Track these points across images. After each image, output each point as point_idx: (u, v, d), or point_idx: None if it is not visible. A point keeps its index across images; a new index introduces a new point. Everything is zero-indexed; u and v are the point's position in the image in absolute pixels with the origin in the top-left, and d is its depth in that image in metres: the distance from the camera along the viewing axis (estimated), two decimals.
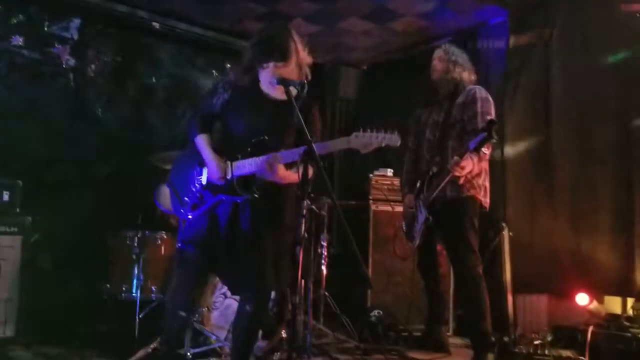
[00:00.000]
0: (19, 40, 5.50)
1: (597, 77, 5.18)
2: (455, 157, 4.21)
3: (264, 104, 3.53)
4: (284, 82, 3.43)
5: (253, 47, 3.50)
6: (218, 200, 3.45)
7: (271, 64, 3.43)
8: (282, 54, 3.42)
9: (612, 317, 4.73)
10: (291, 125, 3.47)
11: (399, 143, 3.21)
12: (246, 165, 3.41)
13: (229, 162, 3.43)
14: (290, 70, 3.45)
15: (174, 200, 3.60)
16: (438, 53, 4.80)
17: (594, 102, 5.19)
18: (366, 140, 3.21)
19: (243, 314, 3.56)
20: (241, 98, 3.54)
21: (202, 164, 3.53)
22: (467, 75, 4.70)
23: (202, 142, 3.52)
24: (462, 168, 4.19)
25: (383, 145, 3.21)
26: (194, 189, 3.52)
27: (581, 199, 5.21)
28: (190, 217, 3.50)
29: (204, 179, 3.52)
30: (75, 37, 5.85)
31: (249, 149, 3.40)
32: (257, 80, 3.55)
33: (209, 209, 3.46)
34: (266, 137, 3.42)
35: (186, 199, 3.53)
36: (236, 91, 3.55)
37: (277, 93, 3.52)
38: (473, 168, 4.32)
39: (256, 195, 3.38)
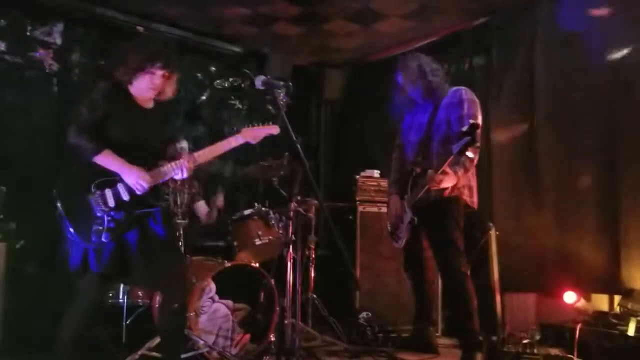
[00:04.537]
0: (1, 45, 5.45)
1: (581, 75, 5.21)
2: (430, 171, 4.24)
3: (138, 114, 3.65)
4: (269, 84, 3.48)
5: (142, 50, 3.62)
6: (135, 216, 3.49)
7: (159, 72, 3.59)
8: (172, 65, 3.64)
9: (600, 315, 4.75)
10: (164, 132, 3.85)
11: (278, 131, 3.85)
12: (166, 172, 3.59)
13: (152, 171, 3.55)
14: (171, 83, 3.68)
15: (79, 231, 3.39)
16: (408, 67, 4.74)
17: (578, 101, 5.22)
18: (254, 132, 3.75)
19: (171, 312, 3.65)
20: (117, 109, 3.54)
21: (99, 185, 3.43)
22: (442, 78, 4.70)
23: (111, 156, 3.44)
24: (439, 182, 4.21)
25: (267, 134, 3.80)
26: (100, 214, 3.39)
27: (567, 197, 5.24)
28: (104, 241, 3.38)
29: (110, 200, 3.43)
30: (58, 41, 5.80)
31: (148, 158, 3.56)
32: (127, 89, 3.64)
33: (122, 229, 3.44)
34: (158, 145, 3.72)
35: (97, 227, 3.37)
36: (112, 101, 3.53)
37: (146, 101, 3.70)
38: (458, 182, 4.34)
39: (168, 201, 3.53)
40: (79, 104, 3.48)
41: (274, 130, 3.88)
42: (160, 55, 3.61)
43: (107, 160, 3.43)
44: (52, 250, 5.26)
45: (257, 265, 4.81)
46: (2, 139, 5.30)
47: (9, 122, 5.40)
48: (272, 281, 4.74)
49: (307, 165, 3.41)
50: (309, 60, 7.54)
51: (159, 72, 3.61)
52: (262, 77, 3.58)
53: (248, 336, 4.66)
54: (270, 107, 5.42)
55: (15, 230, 4.74)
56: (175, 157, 3.81)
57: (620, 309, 4.69)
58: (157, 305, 4.48)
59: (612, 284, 4.89)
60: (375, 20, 6.21)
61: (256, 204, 5.13)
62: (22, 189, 5.13)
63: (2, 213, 4.75)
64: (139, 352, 4.16)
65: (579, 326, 4.48)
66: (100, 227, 3.37)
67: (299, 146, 3.49)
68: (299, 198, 4.76)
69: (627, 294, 4.72)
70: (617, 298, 4.88)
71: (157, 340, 4.24)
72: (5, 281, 4.56)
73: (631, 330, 4.29)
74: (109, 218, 3.39)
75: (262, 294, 4.75)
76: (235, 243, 4.99)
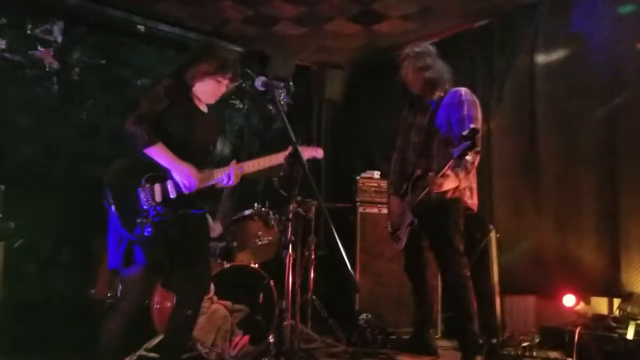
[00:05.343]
0: (1, 43, 5.44)
1: (581, 77, 5.20)
2: (431, 174, 4.23)
3: (197, 115, 3.68)
4: (269, 84, 3.49)
5: (217, 59, 3.65)
6: (179, 214, 3.48)
7: (226, 81, 3.68)
8: (236, 77, 3.75)
9: (599, 318, 4.74)
10: (217, 138, 3.86)
11: (322, 155, 3.99)
12: (214, 176, 3.61)
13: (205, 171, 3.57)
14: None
15: (123, 221, 3.39)
16: (411, 59, 4.70)
17: (578, 102, 5.21)
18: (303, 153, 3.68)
19: (182, 318, 3.63)
20: (178, 106, 3.55)
21: (150, 179, 3.44)
22: (445, 76, 4.67)
23: (163, 150, 3.43)
24: (440, 185, 4.20)
25: (311, 156, 3.87)
26: (146, 207, 3.40)
27: (567, 200, 5.22)
28: (146, 235, 3.38)
29: (157, 195, 3.43)
30: (59, 40, 5.79)
31: (199, 159, 3.57)
32: (190, 90, 3.67)
33: (166, 224, 3.44)
34: (210, 148, 3.76)
35: (141, 219, 3.38)
36: (174, 98, 3.53)
37: (204, 105, 3.76)
38: (459, 184, 4.32)
39: (212, 205, 3.54)
40: (141, 96, 3.52)
41: (319, 154, 3.98)
42: (232, 67, 3.69)
43: (158, 153, 3.42)
44: (51, 250, 5.32)
45: (257, 266, 4.80)
46: (1, 137, 5.29)
47: (7, 120, 5.40)
48: (272, 282, 4.73)
49: (306, 166, 3.40)
50: (311, 60, 7.54)
51: (226, 82, 3.69)
52: (262, 78, 3.59)
53: (247, 337, 4.65)
54: (271, 108, 5.42)
55: (14, 229, 4.73)
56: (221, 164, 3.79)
57: (619, 313, 4.69)
58: (156, 306, 4.46)
59: (611, 287, 4.88)
60: (376, 20, 6.20)
61: (256, 205, 5.12)
62: (20, 187, 5.13)
63: (0, 212, 4.74)
64: (137, 353, 4.15)
65: (578, 329, 4.46)
66: (145, 220, 3.38)
67: (298, 147, 3.49)
68: (299, 199, 4.75)
69: (627, 297, 4.71)
70: (616, 301, 4.86)
71: (156, 340, 4.24)
72: (4, 280, 4.56)
73: (630, 334, 4.28)
74: (154, 212, 3.40)
75: (261, 295, 4.74)
76: (234, 243, 4.98)
